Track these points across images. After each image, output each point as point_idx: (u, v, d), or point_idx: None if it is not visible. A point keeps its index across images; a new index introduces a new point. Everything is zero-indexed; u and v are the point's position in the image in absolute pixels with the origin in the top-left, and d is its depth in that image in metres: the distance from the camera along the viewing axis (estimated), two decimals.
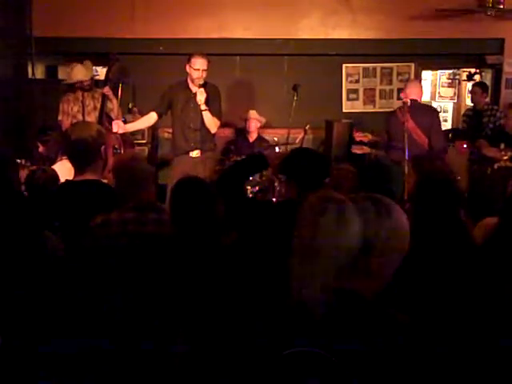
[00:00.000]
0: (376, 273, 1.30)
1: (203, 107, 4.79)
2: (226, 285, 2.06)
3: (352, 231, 1.27)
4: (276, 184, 5.27)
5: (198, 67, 4.78)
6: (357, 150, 5.29)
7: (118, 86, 5.83)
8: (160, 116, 5.01)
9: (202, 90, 4.78)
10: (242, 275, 2.11)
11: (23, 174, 4.35)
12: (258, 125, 6.22)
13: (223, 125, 5.35)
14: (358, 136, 5.27)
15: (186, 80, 4.93)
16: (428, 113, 5.16)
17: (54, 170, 3.75)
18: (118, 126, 4.81)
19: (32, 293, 2.13)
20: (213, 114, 4.85)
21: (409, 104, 4.92)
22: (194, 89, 4.87)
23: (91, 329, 2.11)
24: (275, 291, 1.89)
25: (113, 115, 5.31)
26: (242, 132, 6.43)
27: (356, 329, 1.24)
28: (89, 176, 2.87)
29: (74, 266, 2.27)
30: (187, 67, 4.84)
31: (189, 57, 4.86)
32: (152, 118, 5.01)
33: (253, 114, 6.19)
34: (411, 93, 5.01)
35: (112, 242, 2.44)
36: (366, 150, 5.19)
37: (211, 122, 4.85)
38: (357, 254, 1.27)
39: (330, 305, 1.27)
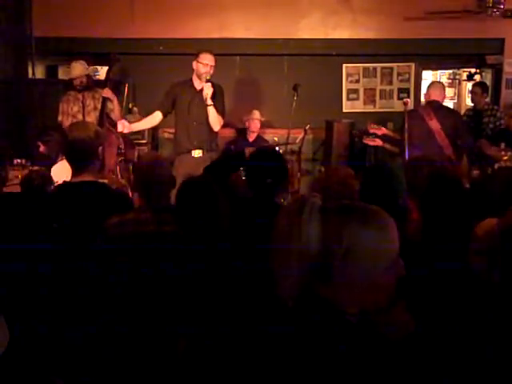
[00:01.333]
0: (345, 282, 1.27)
1: (209, 102, 4.78)
2: (230, 284, 2.05)
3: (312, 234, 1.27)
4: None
5: (206, 62, 4.81)
6: (369, 141, 5.25)
7: (124, 87, 5.83)
8: (165, 115, 5.00)
9: (209, 84, 4.78)
10: (238, 275, 2.11)
11: (23, 174, 4.35)
12: (259, 124, 6.23)
13: (224, 125, 5.35)
14: (372, 128, 5.23)
15: (191, 79, 4.94)
16: (451, 114, 5.16)
17: (46, 170, 3.75)
18: (123, 126, 4.81)
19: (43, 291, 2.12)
20: (217, 111, 4.85)
21: (409, 105, 4.95)
22: (198, 86, 4.87)
23: (97, 326, 2.11)
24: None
25: (113, 116, 5.30)
26: (242, 132, 6.43)
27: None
28: (86, 177, 2.85)
29: (88, 266, 2.26)
30: (194, 64, 4.86)
31: (197, 53, 4.89)
32: (157, 117, 5.00)
33: (256, 114, 6.20)
34: (433, 94, 5.01)
35: (126, 241, 2.43)
36: (379, 142, 5.16)
37: (215, 119, 4.84)
38: (317, 258, 1.26)
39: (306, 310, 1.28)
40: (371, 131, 5.24)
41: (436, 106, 4.97)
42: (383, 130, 5.20)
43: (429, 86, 5.21)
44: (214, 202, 2.26)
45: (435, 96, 5.00)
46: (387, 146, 5.13)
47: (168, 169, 2.74)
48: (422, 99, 7.35)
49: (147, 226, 2.47)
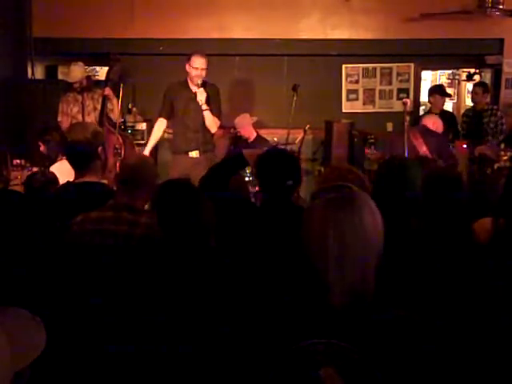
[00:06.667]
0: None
1: (204, 107, 4.82)
2: (216, 285, 2.02)
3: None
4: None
5: (197, 66, 4.83)
6: None
7: (119, 87, 5.85)
8: (169, 118, 5.08)
9: (202, 89, 4.82)
10: (232, 275, 2.08)
11: (23, 174, 4.35)
12: (250, 127, 5.96)
13: (223, 125, 5.36)
14: None
15: (186, 80, 4.95)
16: (435, 136, 5.14)
17: (53, 173, 3.72)
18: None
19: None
20: (213, 113, 4.87)
21: (408, 105, 4.98)
22: (194, 88, 4.89)
23: (71, 328, 2.09)
24: (265, 290, 1.90)
25: (113, 116, 5.32)
26: None
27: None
28: (88, 177, 2.88)
29: (53, 263, 2.25)
30: (187, 66, 4.88)
31: (188, 56, 4.90)
32: (162, 123, 5.10)
33: (238, 124, 5.93)
34: (427, 122, 5.05)
35: (87, 239, 2.44)
36: None
37: (212, 122, 4.88)
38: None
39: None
40: None
41: (424, 131, 4.97)
42: None
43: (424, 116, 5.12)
44: (193, 204, 2.16)
45: (427, 123, 5.03)
46: None
47: (148, 172, 2.67)
48: (422, 99, 7.38)
49: (105, 224, 2.46)
